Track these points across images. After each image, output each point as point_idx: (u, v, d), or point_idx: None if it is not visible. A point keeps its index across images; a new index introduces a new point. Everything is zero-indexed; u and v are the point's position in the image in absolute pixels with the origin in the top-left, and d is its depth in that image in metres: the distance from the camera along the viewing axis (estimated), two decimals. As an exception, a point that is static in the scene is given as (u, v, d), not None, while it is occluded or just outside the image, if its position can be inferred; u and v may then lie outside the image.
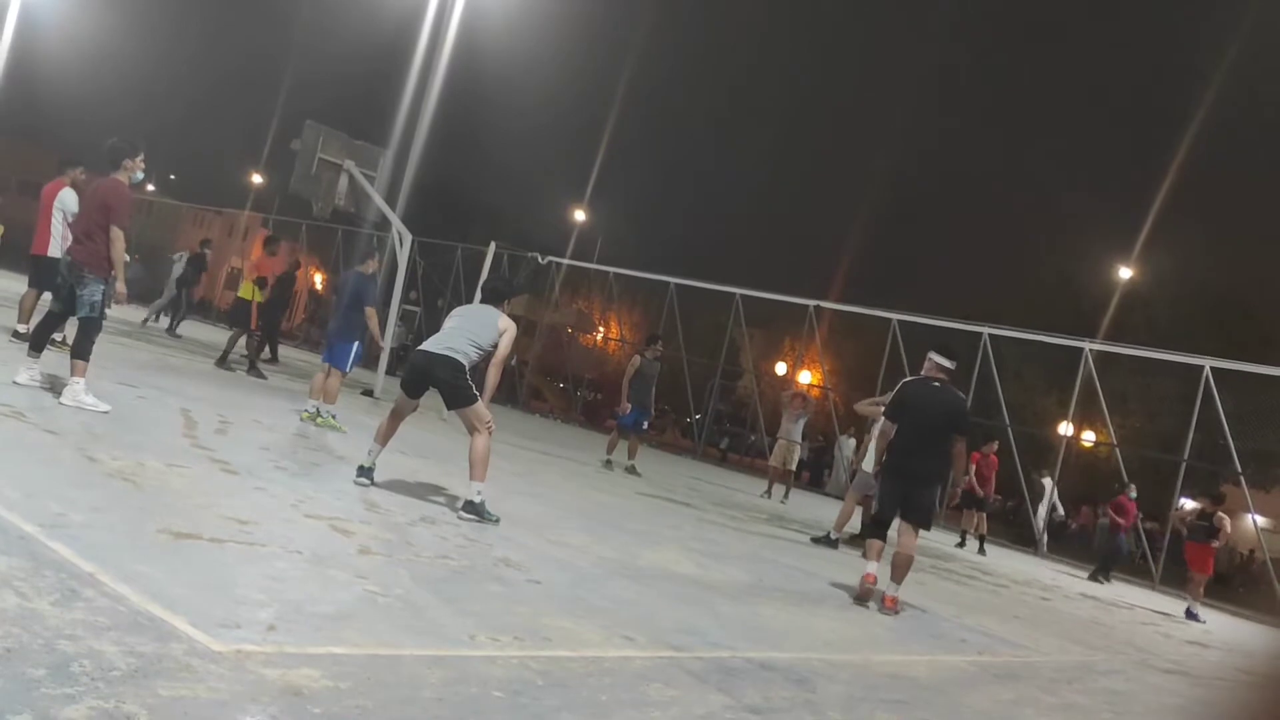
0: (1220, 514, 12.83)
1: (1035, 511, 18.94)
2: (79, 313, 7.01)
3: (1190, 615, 12.86)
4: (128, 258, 7.32)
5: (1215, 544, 12.93)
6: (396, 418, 6.67)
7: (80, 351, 6.84)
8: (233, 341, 14.35)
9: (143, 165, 7.32)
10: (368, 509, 5.78)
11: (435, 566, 4.76)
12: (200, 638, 2.89)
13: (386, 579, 4.20)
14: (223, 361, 13.60)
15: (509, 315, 6.80)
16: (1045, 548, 18.37)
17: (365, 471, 6.51)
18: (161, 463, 5.51)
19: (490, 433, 6.44)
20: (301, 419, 9.42)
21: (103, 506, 4.23)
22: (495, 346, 6.55)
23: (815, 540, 10.51)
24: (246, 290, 14.55)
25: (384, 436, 6.63)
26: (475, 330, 6.54)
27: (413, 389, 6.58)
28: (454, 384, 6.34)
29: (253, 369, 13.75)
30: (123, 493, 4.58)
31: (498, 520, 6.23)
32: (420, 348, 6.63)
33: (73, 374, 6.77)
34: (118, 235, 7.00)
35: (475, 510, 6.20)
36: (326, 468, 7.11)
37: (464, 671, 3.24)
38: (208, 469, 5.74)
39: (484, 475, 6.30)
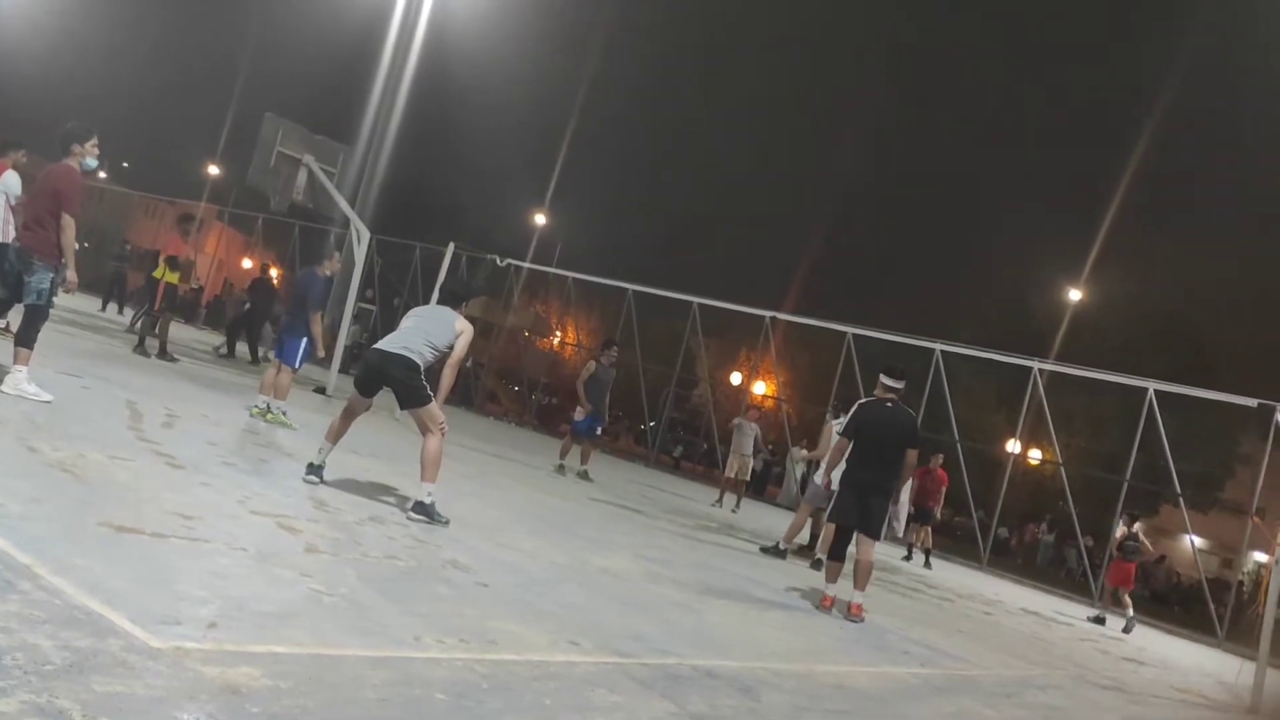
0: (1139, 534, 13.92)
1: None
2: (26, 300, 6.87)
3: (1126, 628, 13.42)
4: (78, 245, 7.18)
5: (1138, 560, 14.06)
6: (349, 416, 6.61)
7: (25, 339, 6.69)
8: (147, 327, 13.93)
9: (95, 151, 7.17)
10: (316, 507, 5.72)
11: (382, 567, 4.72)
12: (138, 633, 2.84)
13: (332, 578, 4.15)
14: (139, 347, 13.31)
15: (466, 317, 6.77)
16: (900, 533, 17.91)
17: (315, 469, 6.44)
18: (104, 455, 5.41)
19: (443, 434, 6.41)
20: (251, 415, 9.29)
21: (42, 498, 4.14)
22: (451, 348, 6.52)
23: (764, 550, 10.57)
24: (159, 270, 14.09)
25: (335, 434, 6.57)
26: (432, 330, 6.50)
27: (366, 387, 6.52)
28: (408, 383, 6.30)
29: (140, 346, 13.36)
30: (63, 484, 4.49)
31: (447, 522, 6.19)
32: (375, 346, 6.58)
33: (15, 361, 6.62)
34: (69, 223, 6.86)
35: (425, 511, 6.16)
36: (275, 464, 7.02)
37: (407, 673, 3.22)
38: (152, 462, 5.65)
39: (435, 477, 6.26)
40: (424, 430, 6.38)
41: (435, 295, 7.16)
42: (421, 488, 6.24)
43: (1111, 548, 14.48)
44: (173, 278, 13.94)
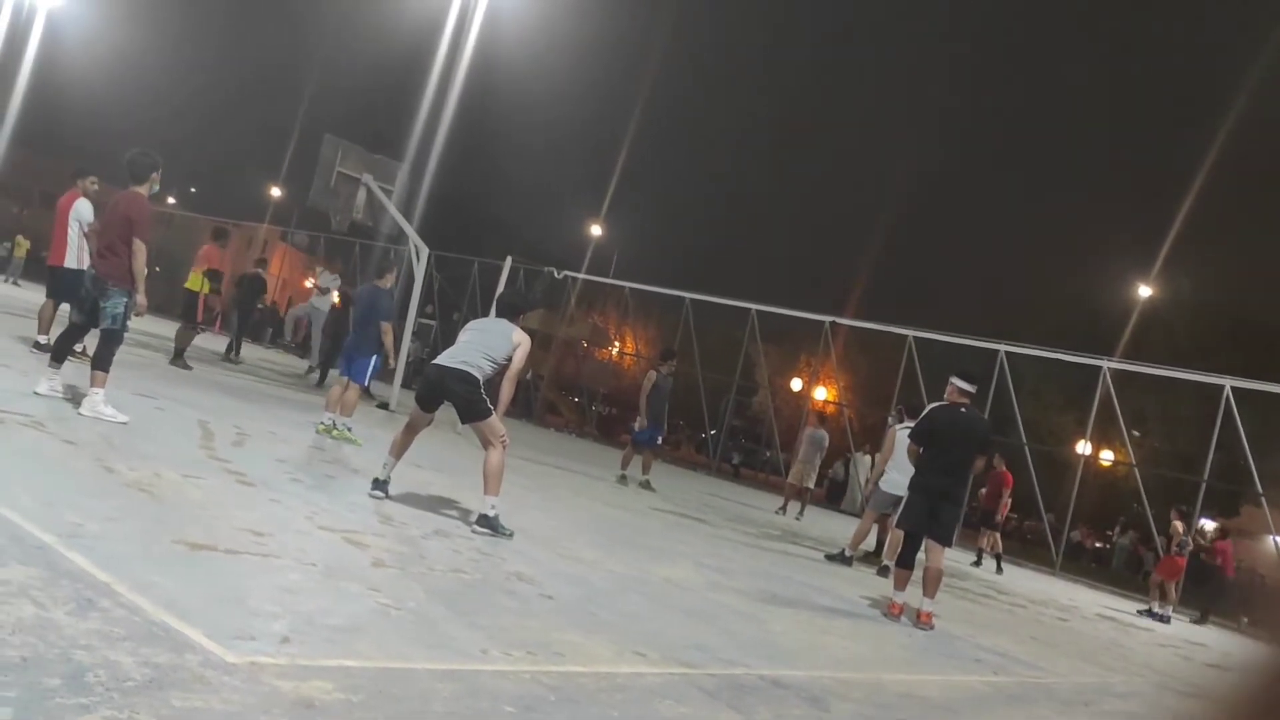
0: (1174, 524, 14.24)
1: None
2: (101, 324, 7.08)
3: (1163, 618, 13.80)
4: (148, 270, 7.40)
5: (1183, 555, 14.20)
6: (411, 431, 6.69)
7: (101, 362, 6.90)
8: (182, 336, 13.66)
9: (158, 180, 7.44)
10: (381, 521, 5.80)
11: (448, 580, 4.76)
12: (214, 649, 2.90)
13: (399, 592, 4.20)
14: (178, 359, 13.08)
15: (523, 329, 6.83)
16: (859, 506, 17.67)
17: (380, 484, 6.53)
18: (178, 474, 5.55)
19: (505, 447, 6.45)
20: (318, 431, 9.45)
21: (119, 517, 4.26)
22: (509, 360, 6.57)
23: (830, 558, 10.47)
24: (195, 282, 14.01)
25: (399, 449, 6.65)
26: (489, 344, 6.56)
27: (427, 402, 6.60)
28: (468, 397, 6.36)
29: (178, 358, 13.11)
30: (139, 503, 4.61)
31: (511, 534, 6.23)
32: (434, 361, 6.67)
33: (92, 385, 6.82)
34: (140, 248, 7.08)
35: (489, 524, 6.20)
36: (341, 480, 7.14)
37: (475, 686, 3.24)
38: (224, 480, 5.78)
39: (498, 489, 6.31)
40: (485, 444, 6.43)
41: (493, 308, 7.20)
42: (485, 501, 6.29)
43: (1169, 545, 14.36)
44: (207, 289, 13.93)
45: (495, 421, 6.43)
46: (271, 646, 3.07)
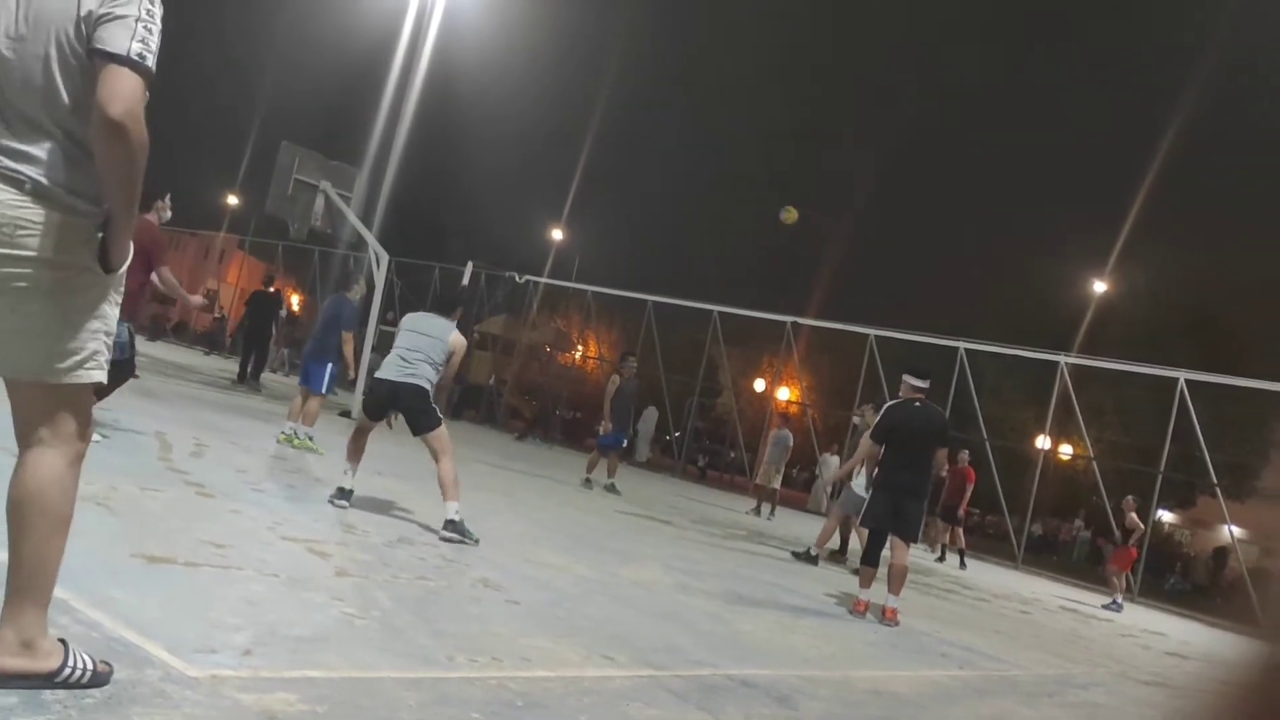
0: (1129, 515, 14.31)
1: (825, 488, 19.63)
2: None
3: (1117, 606, 14.02)
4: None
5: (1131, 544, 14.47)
6: (362, 434, 6.73)
7: (100, 392, 6.80)
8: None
9: (166, 205, 7.42)
10: (345, 530, 5.74)
11: (413, 587, 4.73)
12: (175, 663, 2.86)
13: (364, 601, 4.17)
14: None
15: (478, 332, 6.89)
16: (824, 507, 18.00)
17: (344, 493, 6.48)
18: (136, 486, 5.46)
19: (452, 454, 6.53)
20: (279, 441, 9.36)
21: (75, 532, 4.14)
22: (448, 360, 6.68)
23: (796, 556, 10.52)
24: None
25: (356, 454, 6.66)
26: (432, 349, 6.62)
27: (376, 413, 6.69)
28: (421, 409, 6.48)
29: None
30: (96, 518, 4.53)
31: (478, 540, 6.20)
32: (382, 376, 6.64)
33: None
34: (166, 275, 7.14)
35: (456, 529, 6.18)
36: (303, 490, 7.07)
37: (442, 693, 3.22)
38: (183, 492, 5.70)
39: (458, 495, 6.32)
40: (437, 456, 6.47)
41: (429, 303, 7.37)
42: (447, 507, 6.27)
43: (1127, 537, 14.52)
44: None
45: (444, 431, 6.52)
46: (233, 659, 3.03)
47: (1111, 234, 35.15)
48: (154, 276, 7.18)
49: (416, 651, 3.65)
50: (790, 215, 16.19)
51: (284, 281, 36.13)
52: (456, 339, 6.72)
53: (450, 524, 6.21)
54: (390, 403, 6.52)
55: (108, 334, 2.48)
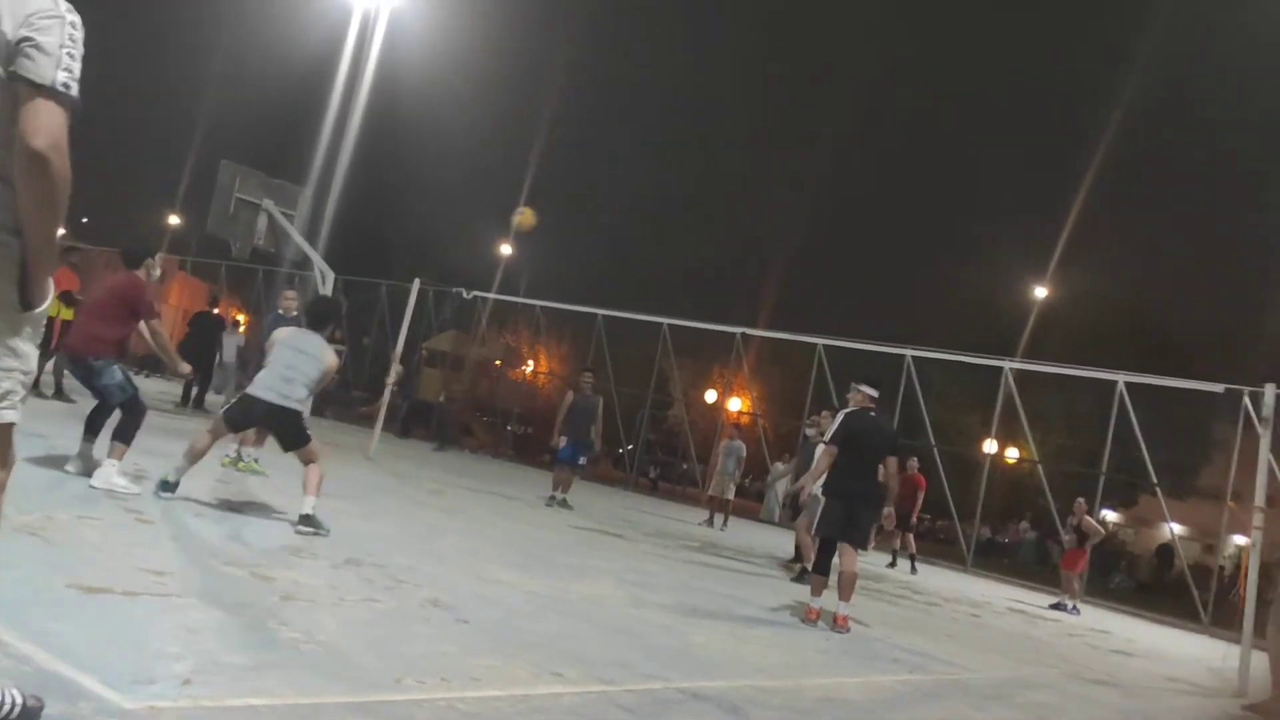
0: (1085, 519, 14.44)
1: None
2: (113, 401, 6.87)
3: (1071, 610, 14.11)
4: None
5: (1086, 546, 14.57)
6: (214, 440, 6.85)
7: (122, 435, 6.73)
8: (57, 369, 12.87)
9: (156, 264, 7.47)
10: (291, 554, 5.65)
11: (360, 610, 4.66)
12: (110, 695, 2.79)
13: (309, 625, 4.10)
14: (58, 394, 12.65)
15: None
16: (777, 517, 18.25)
17: (168, 485, 6.55)
18: (71, 514, 5.33)
19: (320, 459, 6.76)
20: (223, 464, 9.17)
21: (9, 563, 4.06)
22: (321, 379, 6.89)
23: (795, 580, 10.23)
24: (53, 308, 13.55)
25: (198, 458, 6.75)
26: (307, 370, 6.76)
27: (241, 427, 7.00)
28: (294, 429, 6.71)
29: (59, 393, 12.69)
30: (31, 548, 4.41)
31: (328, 531, 6.35)
32: (260, 397, 6.69)
33: (110, 455, 6.60)
34: (156, 328, 7.12)
35: (310, 522, 6.36)
36: (247, 513, 6.94)
37: (388, 716, 3.18)
38: (121, 519, 5.57)
39: (317, 493, 6.50)
40: (308, 461, 6.67)
41: (303, 318, 7.52)
42: (305, 500, 6.45)
43: (1081, 539, 14.70)
44: (68, 314, 13.41)
45: (315, 443, 6.78)
46: (172, 689, 2.96)
47: (1053, 240, 35.92)
48: (142, 327, 7.12)
49: (363, 675, 3.60)
50: (526, 218, 15.96)
51: (229, 302, 35.57)
52: (331, 359, 6.93)
53: (306, 518, 6.36)
54: (264, 423, 6.73)
55: (24, 373, 2.39)
